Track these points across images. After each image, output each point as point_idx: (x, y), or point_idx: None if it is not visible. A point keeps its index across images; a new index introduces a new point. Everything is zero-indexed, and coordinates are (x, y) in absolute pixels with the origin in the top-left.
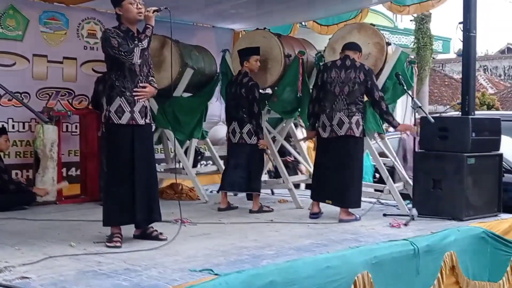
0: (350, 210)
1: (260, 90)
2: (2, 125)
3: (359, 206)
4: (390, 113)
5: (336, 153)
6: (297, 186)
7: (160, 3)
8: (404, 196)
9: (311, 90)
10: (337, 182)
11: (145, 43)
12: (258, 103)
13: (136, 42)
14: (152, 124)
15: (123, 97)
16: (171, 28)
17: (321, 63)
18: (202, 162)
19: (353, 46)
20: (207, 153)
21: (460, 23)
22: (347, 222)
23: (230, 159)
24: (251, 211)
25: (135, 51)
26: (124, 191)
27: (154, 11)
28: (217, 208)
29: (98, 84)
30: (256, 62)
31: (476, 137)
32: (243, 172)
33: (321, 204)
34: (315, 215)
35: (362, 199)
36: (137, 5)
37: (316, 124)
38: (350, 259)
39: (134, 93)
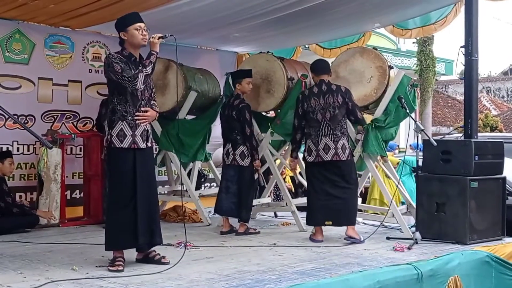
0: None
1: (263, 113)
2: (7, 147)
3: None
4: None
5: (327, 176)
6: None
7: (166, 27)
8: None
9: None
10: (334, 203)
11: (149, 69)
12: (250, 124)
13: (140, 67)
14: (153, 147)
15: (124, 121)
16: (177, 54)
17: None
18: (206, 184)
19: (324, 68)
20: (210, 175)
21: (461, 47)
22: (353, 240)
23: (222, 181)
24: (237, 233)
25: (139, 76)
26: (126, 214)
27: (159, 37)
28: (219, 232)
29: (102, 107)
30: (248, 84)
31: (479, 160)
32: (234, 197)
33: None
34: (316, 241)
35: (366, 222)
36: (142, 31)
37: (303, 149)
38: (353, 283)
39: (135, 117)
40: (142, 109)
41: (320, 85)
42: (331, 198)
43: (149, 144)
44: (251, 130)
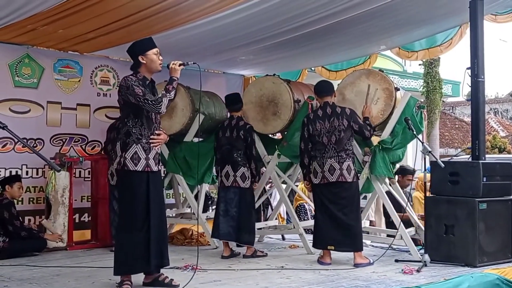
0: (365, 254)
1: (270, 135)
2: (16, 171)
3: (360, 249)
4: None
5: (331, 199)
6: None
7: (172, 51)
8: (416, 242)
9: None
10: (339, 227)
11: (172, 94)
12: (255, 146)
13: (164, 92)
14: (161, 170)
15: (139, 144)
16: (200, 80)
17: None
18: (213, 207)
19: (328, 90)
20: None
21: (467, 68)
22: (363, 266)
23: (220, 204)
24: (244, 256)
25: (163, 101)
26: (139, 238)
27: (180, 64)
28: (220, 256)
29: (110, 132)
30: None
31: (488, 182)
32: (233, 221)
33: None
34: (324, 263)
35: (374, 244)
36: (159, 56)
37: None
38: None
39: (150, 141)
40: (156, 132)
41: (325, 107)
42: (336, 222)
43: (159, 167)
44: (256, 151)
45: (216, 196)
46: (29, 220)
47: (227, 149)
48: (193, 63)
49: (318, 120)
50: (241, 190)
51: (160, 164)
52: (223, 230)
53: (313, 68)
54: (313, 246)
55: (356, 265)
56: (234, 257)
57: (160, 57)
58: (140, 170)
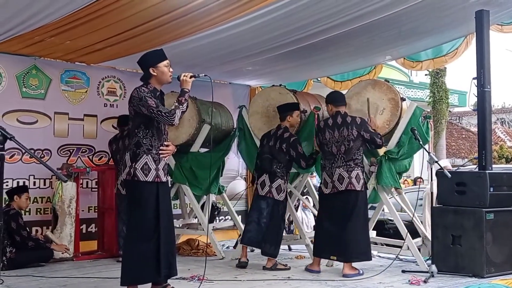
0: (354, 264)
1: None
2: (24, 182)
3: (367, 259)
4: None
5: (337, 208)
6: None
7: (179, 62)
8: (423, 252)
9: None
10: (339, 237)
11: (185, 106)
12: (304, 157)
13: (176, 104)
14: (169, 180)
15: (149, 155)
16: (212, 92)
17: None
18: (221, 218)
19: (338, 100)
20: (224, 208)
21: (474, 78)
22: (350, 277)
23: (252, 212)
24: (264, 268)
25: (176, 113)
26: (148, 248)
27: (191, 76)
28: (236, 263)
29: (111, 145)
30: (298, 117)
31: (495, 192)
32: (263, 231)
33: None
34: (312, 271)
35: (381, 255)
36: (169, 68)
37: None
38: None
39: (160, 152)
40: (165, 143)
41: (336, 117)
42: (339, 231)
43: (167, 178)
44: (307, 163)
45: (223, 206)
46: (37, 230)
47: (268, 158)
48: (205, 75)
49: (328, 130)
50: (275, 201)
51: (168, 174)
52: (254, 237)
53: (318, 79)
54: (315, 255)
55: (344, 276)
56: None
57: (171, 69)
58: (150, 180)
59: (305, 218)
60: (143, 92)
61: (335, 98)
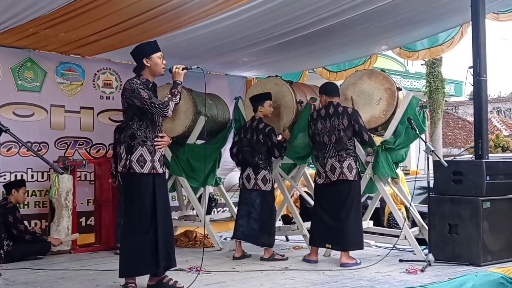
0: (352, 254)
1: None
2: (21, 175)
3: (360, 247)
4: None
5: (330, 198)
6: None
7: (174, 53)
8: (420, 241)
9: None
10: (333, 226)
11: (178, 98)
12: (280, 147)
13: (169, 96)
14: (165, 172)
15: (144, 147)
16: (205, 84)
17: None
18: (218, 209)
19: (331, 91)
20: (221, 200)
21: (470, 67)
22: (348, 266)
23: (242, 206)
24: (262, 259)
25: (170, 104)
26: (147, 240)
27: (183, 68)
28: (232, 256)
29: (116, 133)
30: (270, 106)
31: (491, 181)
32: (256, 223)
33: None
34: (309, 261)
35: (378, 244)
36: (162, 60)
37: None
38: None
39: (155, 143)
40: (160, 134)
41: (328, 107)
42: (333, 220)
43: (164, 169)
44: (280, 152)
45: (220, 198)
46: (36, 224)
47: (248, 151)
48: (197, 68)
49: (320, 120)
50: (263, 193)
51: (164, 166)
52: (246, 231)
53: (314, 69)
54: (310, 244)
55: (342, 265)
56: (245, 258)
57: (164, 61)
58: (146, 172)
59: None
60: (135, 84)
61: (328, 89)
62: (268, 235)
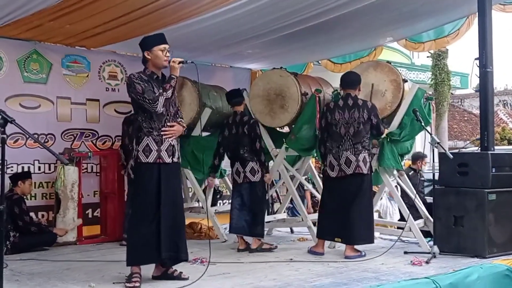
0: (357, 246)
1: (278, 128)
2: (28, 167)
3: (370, 241)
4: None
5: (344, 191)
6: None
7: (179, 45)
8: (425, 233)
9: (317, 132)
10: (344, 219)
11: (169, 93)
12: (261, 139)
13: (160, 91)
14: (179, 163)
15: (150, 137)
16: (198, 79)
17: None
18: (224, 201)
19: (351, 83)
20: (226, 192)
21: (476, 59)
22: (352, 258)
23: (235, 199)
24: (250, 250)
25: (159, 100)
26: (150, 229)
27: (179, 62)
28: (236, 248)
29: (125, 124)
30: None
31: (497, 173)
32: (248, 214)
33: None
34: (315, 253)
35: (383, 236)
36: (166, 52)
37: (324, 164)
38: None
39: (162, 132)
40: (168, 124)
41: (346, 98)
42: (344, 214)
43: (175, 159)
44: (261, 145)
45: (225, 190)
46: (42, 215)
47: (234, 146)
48: (191, 62)
49: (338, 110)
50: (252, 184)
51: (178, 156)
52: (236, 224)
53: (319, 61)
54: (318, 236)
55: (347, 257)
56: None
57: (168, 54)
58: (151, 161)
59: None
60: (132, 78)
61: (347, 80)
62: (261, 226)
